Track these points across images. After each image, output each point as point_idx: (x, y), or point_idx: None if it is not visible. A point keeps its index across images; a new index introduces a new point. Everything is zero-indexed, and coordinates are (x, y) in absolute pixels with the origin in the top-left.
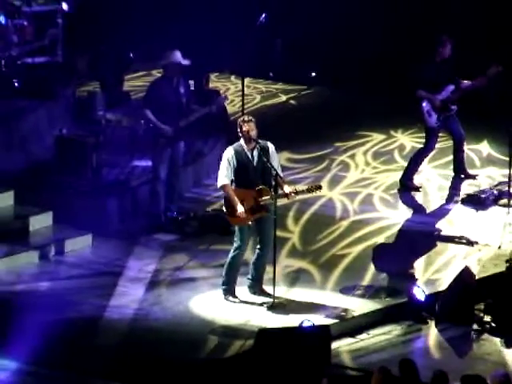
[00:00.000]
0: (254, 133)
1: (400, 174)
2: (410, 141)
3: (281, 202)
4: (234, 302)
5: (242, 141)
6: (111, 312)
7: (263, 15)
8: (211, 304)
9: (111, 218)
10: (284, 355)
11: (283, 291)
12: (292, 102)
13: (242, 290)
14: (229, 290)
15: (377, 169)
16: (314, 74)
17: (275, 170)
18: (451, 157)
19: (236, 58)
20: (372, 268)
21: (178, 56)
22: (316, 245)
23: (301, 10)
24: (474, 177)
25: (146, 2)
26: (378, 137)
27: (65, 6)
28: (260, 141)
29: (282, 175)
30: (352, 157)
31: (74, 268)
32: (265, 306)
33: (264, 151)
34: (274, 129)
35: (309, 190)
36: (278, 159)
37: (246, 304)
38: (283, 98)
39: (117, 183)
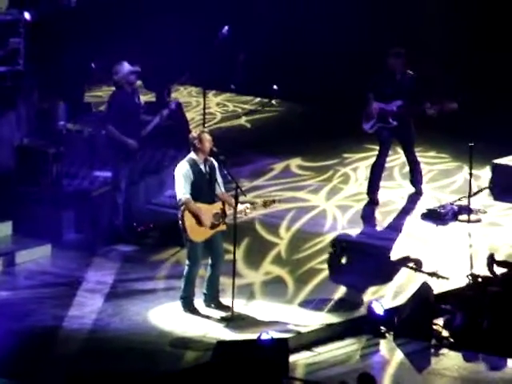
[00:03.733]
0: (210, 145)
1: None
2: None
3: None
4: (193, 314)
5: (193, 154)
6: (70, 322)
7: (225, 28)
8: (170, 316)
9: (70, 228)
10: (242, 368)
11: (243, 303)
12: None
13: (201, 301)
14: (187, 302)
15: None
16: (275, 87)
17: (236, 183)
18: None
19: (198, 71)
20: (340, 284)
21: (126, 66)
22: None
23: (264, 22)
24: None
25: (109, 14)
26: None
27: (27, 16)
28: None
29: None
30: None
31: (33, 278)
32: (223, 318)
33: (213, 165)
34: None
35: (264, 205)
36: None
37: (205, 316)
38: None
39: (77, 193)
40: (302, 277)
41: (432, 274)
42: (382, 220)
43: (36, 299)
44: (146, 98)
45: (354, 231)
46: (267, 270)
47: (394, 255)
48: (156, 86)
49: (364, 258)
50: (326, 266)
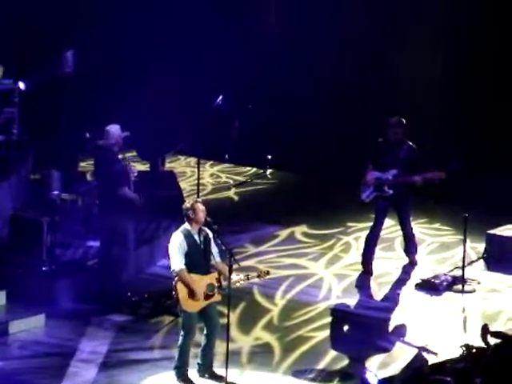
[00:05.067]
0: (204, 215)
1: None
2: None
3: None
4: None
5: (187, 225)
6: None
7: (220, 97)
8: None
9: (64, 298)
10: None
11: (236, 373)
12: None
13: (195, 372)
14: (181, 373)
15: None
16: (269, 157)
17: (231, 252)
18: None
19: (193, 141)
20: (328, 352)
21: (118, 130)
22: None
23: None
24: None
25: (102, 83)
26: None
27: (21, 85)
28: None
29: (221, 260)
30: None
31: (26, 348)
32: None
33: (208, 235)
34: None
35: (259, 276)
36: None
37: None
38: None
39: (71, 263)
40: (289, 345)
41: (421, 349)
42: (377, 290)
43: (29, 369)
44: (141, 167)
45: (349, 301)
46: (257, 335)
47: (388, 326)
48: (150, 155)
49: (357, 328)
50: (315, 334)
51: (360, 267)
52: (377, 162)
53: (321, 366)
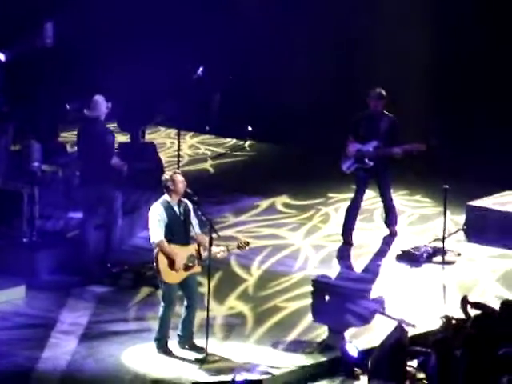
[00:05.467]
0: (184, 186)
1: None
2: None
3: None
4: (167, 355)
5: (166, 196)
6: (43, 364)
7: (201, 68)
8: (144, 357)
9: (45, 269)
10: None
11: (216, 344)
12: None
13: (175, 343)
14: (161, 344)
15: None
16: (250, 129)
17: (211, 223)
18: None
19: (173, 112)
20: (304, 323)
21: (103, 102)
22: (264, 292)
23: (240, 64)
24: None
25: (83, 54)
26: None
27: (1, 57)
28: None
29: (200, 232)
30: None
31: (7, 319)
32: (197, 360)
33: (187, 207)
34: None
35: (239, 248)
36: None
37: (179, 358)
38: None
39: (51, 235)
40: (262, 315)
41: (401, 321)
42: (356, 261)
43: (10, 340)
44: (122, 138)
45: (327, 271)
46: (231, 305)
47: (367, 297)
48: (130, 127)
49: (337, 298)
50: (288, 304)
51: (339, 238)
52: (357, 133)
53: (293, 336)
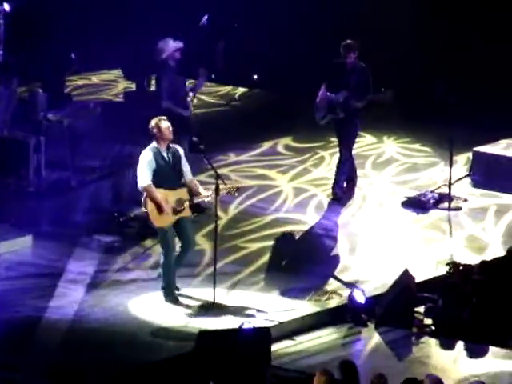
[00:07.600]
0: (169, 132)
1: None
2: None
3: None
4: (174, 303)
5: (154, 143)
6: (51, 313)
7: (205, 17)
8: (152, 305)
9: (52, 218)
10: (224, 357)
11: (222, 293)
12: None
13: (183, 291)
14: (168, 292)
15: None
16: (255, 77)
17: (216, 172)
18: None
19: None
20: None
21: (171, 44)
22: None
23: (244, 12)
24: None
25: (89, 5)
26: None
27: (6, 7)
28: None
29: (192, 177)
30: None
31: (14, 269)
32: (204, 307)
33: (177, 152)
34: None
35: (228, 193)
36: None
37: (186, 306)
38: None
39: (58, 184)
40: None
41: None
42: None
43: (16, 290)
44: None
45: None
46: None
47: (377, 243)
48: (136, 76)
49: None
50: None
51: (324, 183)
52: (331, 82)
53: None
